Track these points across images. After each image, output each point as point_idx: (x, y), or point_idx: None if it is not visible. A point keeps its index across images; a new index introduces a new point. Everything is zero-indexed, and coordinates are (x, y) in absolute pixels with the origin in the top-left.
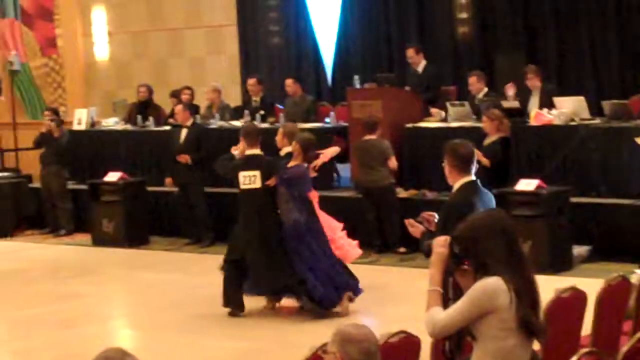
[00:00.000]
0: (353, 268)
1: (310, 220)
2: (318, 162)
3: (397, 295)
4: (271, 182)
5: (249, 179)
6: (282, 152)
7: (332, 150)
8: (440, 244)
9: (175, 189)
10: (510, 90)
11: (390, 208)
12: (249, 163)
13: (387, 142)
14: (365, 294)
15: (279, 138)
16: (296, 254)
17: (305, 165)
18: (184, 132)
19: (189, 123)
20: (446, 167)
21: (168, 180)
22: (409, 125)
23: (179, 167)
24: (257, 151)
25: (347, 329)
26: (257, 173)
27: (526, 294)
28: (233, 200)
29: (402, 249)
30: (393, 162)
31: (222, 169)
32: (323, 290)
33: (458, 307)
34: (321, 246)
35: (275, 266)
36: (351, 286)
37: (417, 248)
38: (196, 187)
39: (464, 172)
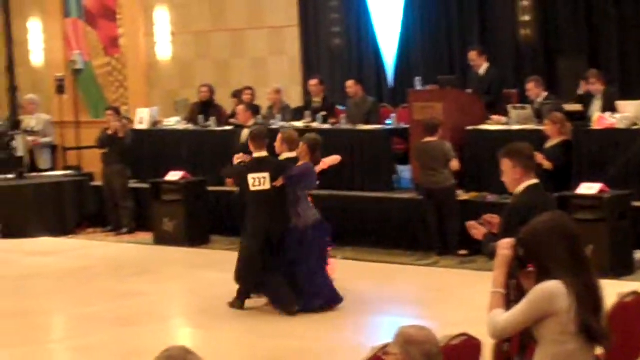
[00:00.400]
0: (415, 270)
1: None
2: (317, 169)
3: (457, 298)
4: (278, 182)
5: (259, 181)
6: (281, 158)
7: (332, 159)
8: (505, 247)
9: (236, 189)
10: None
11: (451, 210)
12: (258, 165)
13: (449, 144)
14: (426, 296)
15: (277, 144)
16: (297, 258)
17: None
18: (245, 133)
19: (250, 123)
20: (509, 169)
21: (229, 180)
22: (470, 127)
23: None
24: (264, 153)
25: (409, 330)
26: (266, 175)
27: (588, 299)
28: None
29: (462, 251)
30: (455, 164)
31: (227, 172)
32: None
33: (518, 309)
34: (320, 254)
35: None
36: (335, 300)
37: (477, 250)
38: None
39: (529, 174)
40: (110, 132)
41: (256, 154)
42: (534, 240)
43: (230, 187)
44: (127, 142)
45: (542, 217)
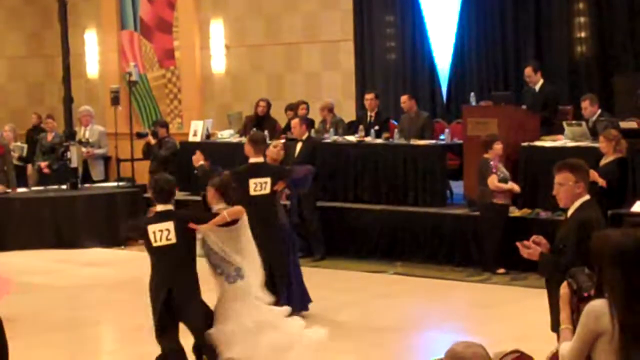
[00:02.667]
0: (466, 286)
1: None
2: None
3: (508, 314)
4: (279, 186)
5: (260, 186)
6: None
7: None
8: (563, 286)
9: (288, 202)
10: None
11: (485, 226)
12: (258, 170)
13: (494, 162)
14: (476, 312)
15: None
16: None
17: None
18: (299, 146)
19: (304, 137)
20: (570, 184)
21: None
22: (525, 144)
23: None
24: (262, 159)
25: (457, 347)
26: (268, 180)
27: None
28: (345, 214)
29: (500, 270)
30: (490, 180)
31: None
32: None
33: (574, 336)
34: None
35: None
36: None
37: (517, 269)
38: (309, 201)
39: (586, 190)
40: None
41: (254, 159)
42: (596, 263)
43: (283, 200)
44: (164, 152)
45: (607, 238)
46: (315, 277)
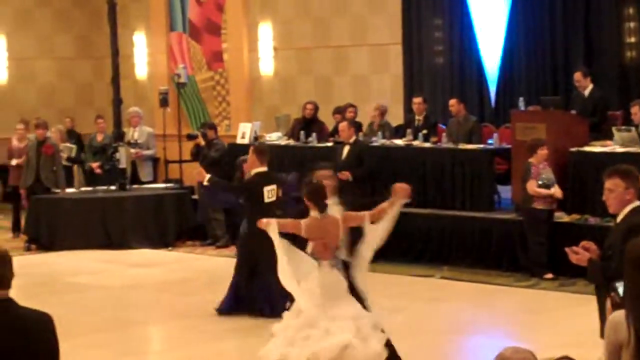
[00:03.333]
0: (513, 291)
1: None
2: None
3: (556, 320)
4: (279, 192)
5: (271, 193)
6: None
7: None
8: (608, 300)
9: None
10: None
11: (527, 231)
12: (268, 178)
13: (536, 166)
14: (524, 317)
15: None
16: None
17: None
18: (346, 149)
19: (351, 140)
20: (621, 190)
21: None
22: (574, 149)
23: (341, 183)
24: (266, 168)
25: (506, 352)
26: (275, 187)
27: None
28: (400, 219)
29: (548, 275)
30: (528, 185)
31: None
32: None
33: (603, 349)
34: None
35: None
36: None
37: (566, 274)
38: (357, 204)
39: (636, 196)
40: (202, 142)
41: (261, 169)
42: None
43: None
44: (214, 154)
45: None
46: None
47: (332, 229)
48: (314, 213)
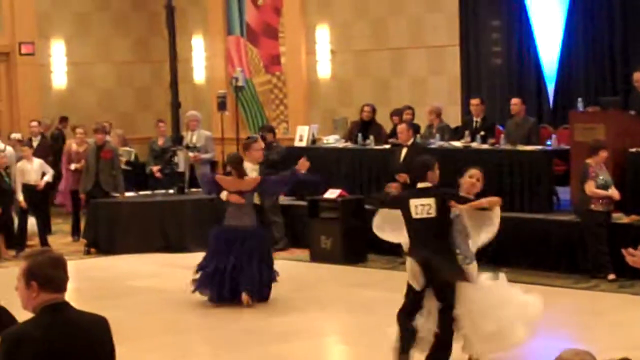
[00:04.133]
0: (573, 293)
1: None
2: None
3: (615, 322)
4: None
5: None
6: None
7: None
8: None
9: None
10: None
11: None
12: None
13: (594, 166)
14: (584, 319)
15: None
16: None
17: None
18: (404, 151)
19: (409, 142)
20: None
21: (394, 185)
22: (633, 149)
23: (399, 185)
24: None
25: (565, 355)
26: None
27: None
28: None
29: (611, 276)
30: (587, 186)
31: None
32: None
33: None
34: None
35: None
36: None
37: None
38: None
39: None
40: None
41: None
42: None
43: None
44: (274, 156)
45: None
46: None
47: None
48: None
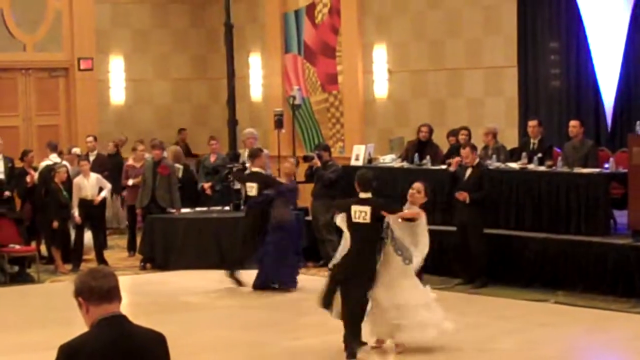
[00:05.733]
0: (629, 317)
1: None
2: None
3: None
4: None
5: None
6: None
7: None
8: None
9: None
10: None
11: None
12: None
13: None
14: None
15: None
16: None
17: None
18: (469, 171)
19: (474, 163)
20: None
21: (463, 194)
22: None
23: (460, 205)
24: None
25: None
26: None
27: None
28: (507, 242)
29: None
30: None
31: None
32: None
33: None
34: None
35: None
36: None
37: None
38: (475, 227)
39: None
40: (318, 163)
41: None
42: None
43: None
44: (330, 175)
45: None
46: (476, 305)
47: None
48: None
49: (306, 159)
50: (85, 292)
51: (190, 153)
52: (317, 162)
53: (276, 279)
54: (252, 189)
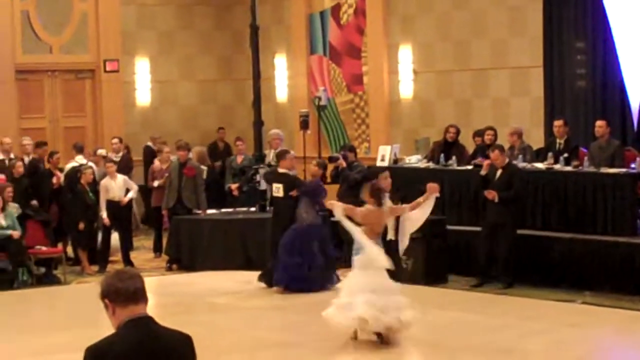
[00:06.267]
0: None
1: None
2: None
3: None
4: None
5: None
6: None
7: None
8: None
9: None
10: None
11: None
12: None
13: None
14: None
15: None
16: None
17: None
18: (499, 172)
19: (504, 164)
20: None
21: (491, 193)
22: None
23: (490, 206)
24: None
25: None
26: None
27: None
28: (533, 242)
29: None
30: None
31: None
32: None
33: None
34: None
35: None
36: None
37: None
38: (506, 228)
39: None
40: (343, 164)
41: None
42: None
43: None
44: (355, 176)
45: None
46: (502, 305)
47: (382, 218)
48: (370, 206)
49: (331, 159)
50: (112, 293)
51: (230, 152)
52: (343, 163)
53: (281, 281)
54: (278, 189)
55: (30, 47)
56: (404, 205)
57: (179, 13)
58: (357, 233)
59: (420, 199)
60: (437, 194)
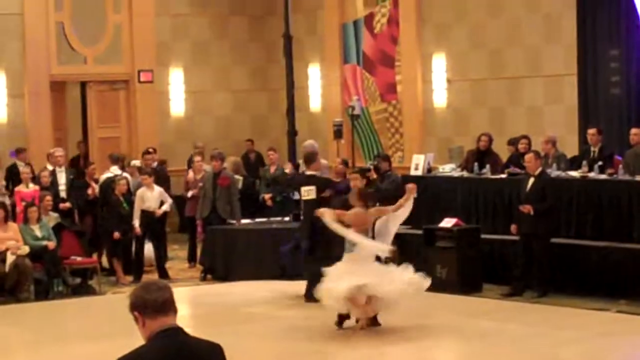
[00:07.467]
0: None
1: None
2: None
3: None
4: (325, 193)
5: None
6: None
7: None
8: None
9: (516, 237)
10: None
11: None
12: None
13: None
14: None
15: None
16: None
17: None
18: (531, 181)
19: (537, 172)
20: None
21: (513, 227)
22: None
23: (524, 215)
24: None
25: None
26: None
27: None
28: (568, 250)
29: None
30: None
31: None
32: None
33: None
34: None
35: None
36: None
37: None
38: (541, 238)
39: None
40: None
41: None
42: None
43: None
44: (387, 186)
45: None
46: (536, 313)
47: (369, 219)
48: (358, 208)
49: (362, 171)
50: (140, 306)
51: (262, 162)
52: (373, 174)
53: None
54: (309, 192)
55: (65, 58)
56: (388, 207)
57: (213, 23)
58: (349, 234)
59: (401, 200)
60: (415, 195)
